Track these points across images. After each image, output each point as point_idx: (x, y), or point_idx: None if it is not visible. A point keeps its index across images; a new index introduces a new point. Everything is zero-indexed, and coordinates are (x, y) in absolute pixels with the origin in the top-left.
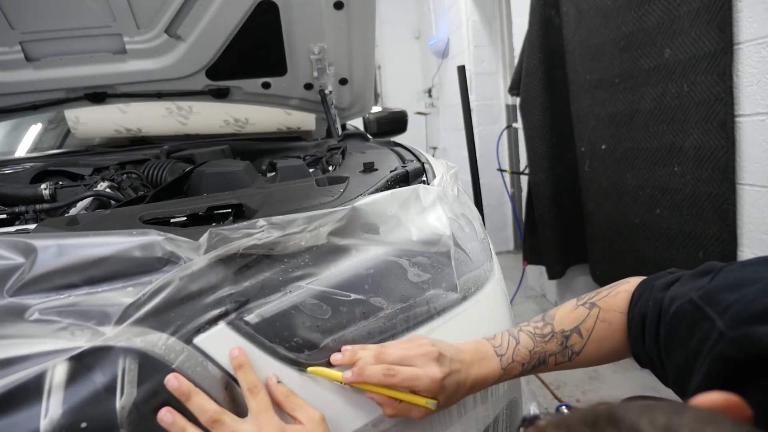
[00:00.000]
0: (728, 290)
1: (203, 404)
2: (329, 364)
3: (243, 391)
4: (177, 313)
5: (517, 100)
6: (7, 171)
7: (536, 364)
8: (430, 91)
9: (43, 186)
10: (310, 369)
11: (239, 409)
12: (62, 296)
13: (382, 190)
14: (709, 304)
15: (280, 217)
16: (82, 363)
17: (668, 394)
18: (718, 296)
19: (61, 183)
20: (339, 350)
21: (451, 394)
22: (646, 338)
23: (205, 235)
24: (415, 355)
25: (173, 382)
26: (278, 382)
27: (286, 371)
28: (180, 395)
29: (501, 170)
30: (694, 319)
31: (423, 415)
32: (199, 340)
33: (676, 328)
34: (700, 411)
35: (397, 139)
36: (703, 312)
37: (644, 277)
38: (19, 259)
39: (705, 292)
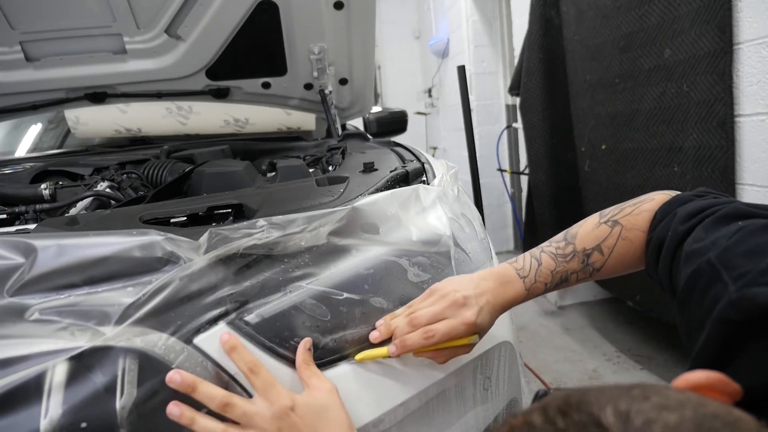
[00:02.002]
0: (747, 256)
1: (210, 391)
2: (370, 345)
3: (242, 372)
4: (177, 313)
5: (517, 100)
6: (7, 171)
7: (558, 282)
8: (430, 91)
9: (43, 186)
10: (357, 357)
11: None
12: (62, 296)
13: (382, 190)
14: (726, 268)
15: (280, 217)
16: (82, 363)
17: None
18: (736, 261)
19: (61, 183)
20: (338, 350)
21: (486, 323)
22: (660, 266)
23: (205, 235)
24: (444, 308)
25: (175, 377)
26: (309, 348)
27: (286, 371)
28: (185, 388)
29: (501, 170)
30: (710, 279)
31: (470, 349)
32: (199, 340)
33: (694, 287)
34: (669, 395)
35: (397, 139)
36: (719, 274)
37: (669, 195)
38: (19, 259)
39: (723, 252)
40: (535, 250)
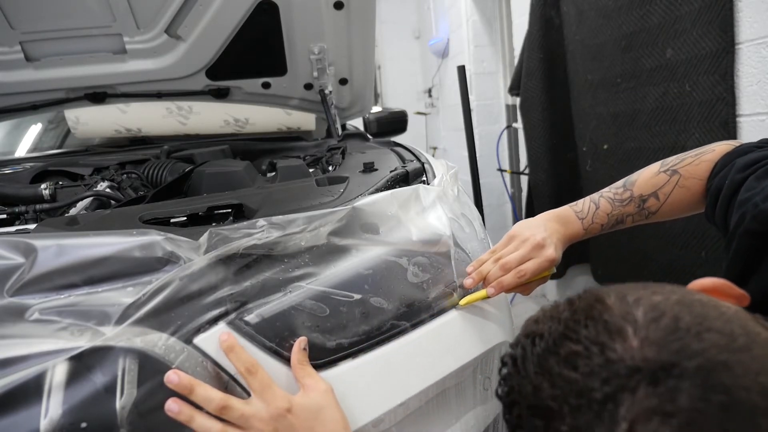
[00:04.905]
0: None
1: (208, 394)
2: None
3: (240, 372)
4: (177, 313)
5: (517, 100)
6: (7, 171)
7: (614, 224)
8: (430, 91)
9: (43, 186)
10: (462, 302)
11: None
12: (62, 296)
13: (382, 190)
14: None
15: (280, 217)
16: (82, 363)
17: None
18: None
19: (61, 183)
20: (339, 349)
21: (560, 257)
22: (717, 213)
23: (205, 235)
24: (529, 251)
25: (173, 377)
26: (304, 348)
27: (286, 371)
28: (182, 389)
29: (501, 170)
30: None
31: (547, 279)
32: (199, 340)
33: (738, 228)
34: (666, 287)
35: (397, 139)
36: None
37: (731, 146)
38: (19, 259)
39: None
40: (595, 195)
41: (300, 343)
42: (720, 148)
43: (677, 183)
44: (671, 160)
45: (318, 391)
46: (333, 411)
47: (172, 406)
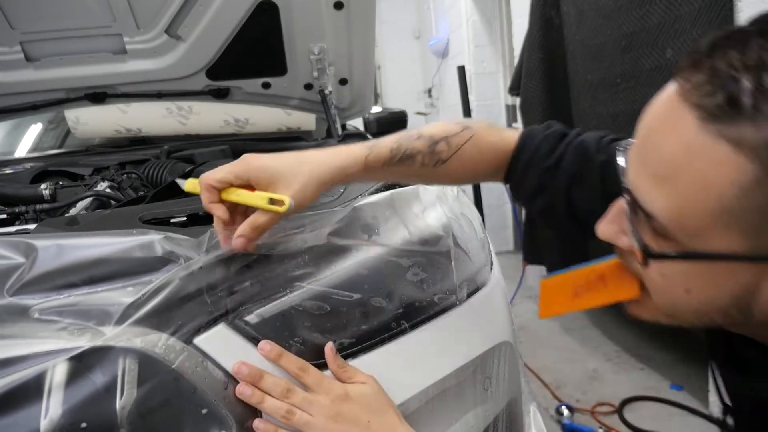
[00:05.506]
0: None
1: (274, 380)
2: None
3: (293, 373)
4: (177, 313)
5: (517, 100)
6: (7, 171)
7: (403, 157)
8: (430, 91)
9: (43, 186)
10: None
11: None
12: (62, 296)
13: (382, 190)
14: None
15: None
16: (82, 363)
17: (667, 394)
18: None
19: (61, 183)
20: (339, 349)
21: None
22: (589, 197)
23: (205, 235)
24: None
25: (242, 369)
26: (336, 352)
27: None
28: (252, 379)
29: None
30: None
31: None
32: (199, 340)
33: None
34: None
35: None
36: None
37: (493, 130)
38: (19, 259)
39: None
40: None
41: (331, 349)
42: (509, 132)
43: (470, 140)
44: (466, 120)
45: (369, 380)
46: (384, 396)
47: (245, 389)
